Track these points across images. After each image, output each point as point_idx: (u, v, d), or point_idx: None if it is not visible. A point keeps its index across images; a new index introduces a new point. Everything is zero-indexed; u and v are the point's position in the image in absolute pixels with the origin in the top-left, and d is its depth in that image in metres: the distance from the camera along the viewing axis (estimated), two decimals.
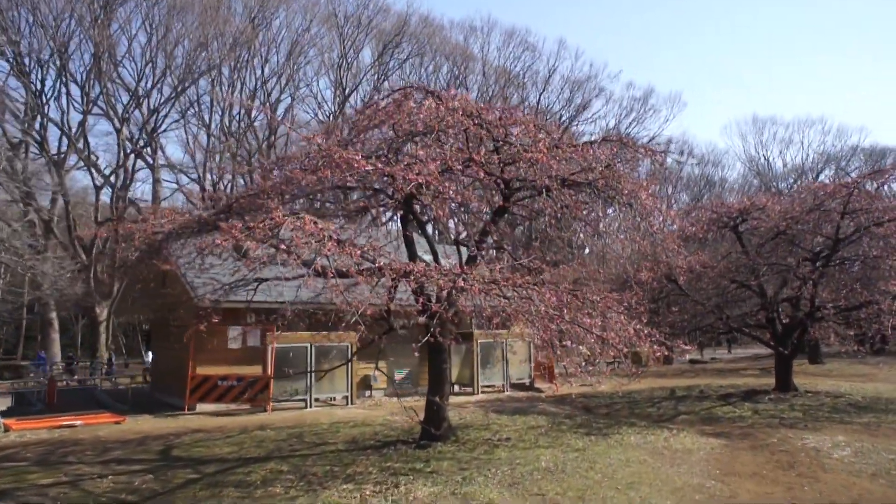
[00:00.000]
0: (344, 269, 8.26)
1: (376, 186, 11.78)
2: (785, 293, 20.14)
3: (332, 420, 16.28)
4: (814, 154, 60.59)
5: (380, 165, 9.25)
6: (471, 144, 11.25)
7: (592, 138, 12.16)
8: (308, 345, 19.10)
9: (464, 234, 13.83)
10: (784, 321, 19.60)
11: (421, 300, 10.85)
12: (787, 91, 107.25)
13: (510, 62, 50.86)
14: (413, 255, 12.30)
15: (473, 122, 10.91)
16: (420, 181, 9.03)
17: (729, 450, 12.11)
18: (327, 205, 13.75)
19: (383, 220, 14.93)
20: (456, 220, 13.29)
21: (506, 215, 13.00)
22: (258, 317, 18.74)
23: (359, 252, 7.98)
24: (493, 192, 13.09)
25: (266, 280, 12.69)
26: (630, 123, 47.78)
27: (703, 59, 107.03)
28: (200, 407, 18.38)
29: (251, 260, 10.63)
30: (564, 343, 9.96)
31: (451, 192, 9.24)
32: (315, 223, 7.92)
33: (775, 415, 15.92)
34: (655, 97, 75.12)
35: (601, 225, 13.67)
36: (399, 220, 13.09)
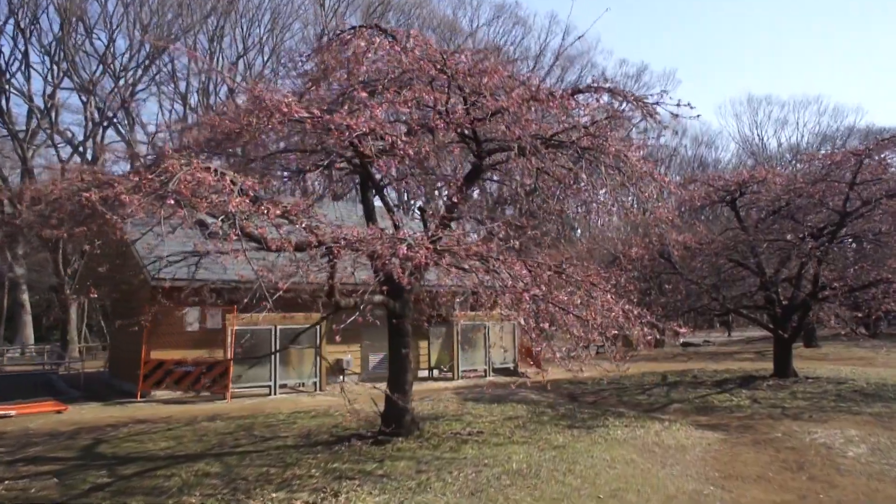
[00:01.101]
0: (257, 233, 6.58)
1: (330, 149, 10.10)
2: (784, 272, 18.57)
3: (293, 409, 14.68)
4: (809, 134, 59.03)
5: (315, 111, 7.55)
6: (437, 96, 9.54)
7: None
8: (272, 327, 17.44)
9: (438, 202, 12.09)
10: (784, 302, 18.01)
11: (377, 275, 9.24)
12: (784, 70, 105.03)
13: (500, 37, 48.97)
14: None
15: (436, 68, 9.19)
16: (363, 130, 7.34)
17: (728, 446, 10.53)
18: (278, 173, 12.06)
19: (337, 187, 13.17)
20: (418, 183, 11.54)
21: (478, 180, 11.31)
22: (219, 297, 17.07)
23: (278, 211, 6.32)
24: (465, 153, 11.43)
25: (203, 254, 11.01)
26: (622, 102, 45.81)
27: (698, 37, 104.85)
28: (156, 394, 16.77)
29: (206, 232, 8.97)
30: (542, 325, 8.34)
31: (400, 143, 7.54)
32: (222, 174, 6.27)
33: (776, 404, 14.36)
34: (649, 74, 73.20)
35: (585, 193, 12.01)
36: (358, 187, 11.41)
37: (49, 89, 33.74)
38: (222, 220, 5.87)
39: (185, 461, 9.64)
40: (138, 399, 16.48)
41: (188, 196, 5.59)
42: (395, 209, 11.81)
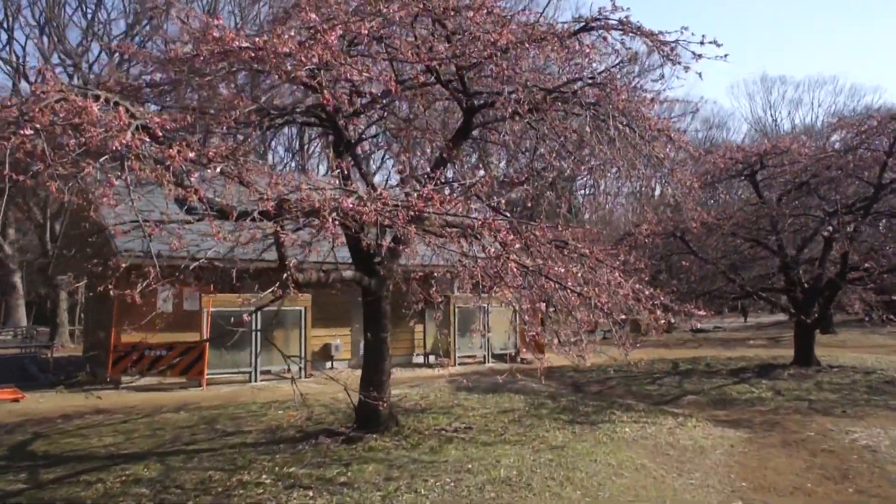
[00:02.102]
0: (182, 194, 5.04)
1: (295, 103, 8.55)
2: (806, 253, 16.91)
3: (270, 398, 13.22)
4: (825, 114, 56.75)
5: (259, 40, 5.98)
6: (418, 40, 7.92)
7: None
8: (253, 309, 15.92)
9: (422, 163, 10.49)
10: (806, 284, 16.35)
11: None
12: (799, 50, 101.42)
13: (506, 1, 46.89)
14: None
15: (421, 5, 7.57)
16: (314, 62, 5.77)
17: (754, 447, 8.98)
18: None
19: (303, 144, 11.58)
20: (396, 139, 9.97)
21: (468, 137, 9.72)
22: (196, 277, 15.58)
23: (189, 154, 4.75)
24: (450, 114, 9.89)
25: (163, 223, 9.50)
26: (632, 77, 44.00)
27: (710, 15, 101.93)
28: (128, 380, 15.34)
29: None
30: (537, 305, 6.81)
31: (355, 76, 5.94)
32: (115, 104, 4.75)
33: (801, 396, 12.77)
34: (657, 62, 70.83)
35: (592, 159, 10.43)
36: (331, 146, 9.84)
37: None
38: (110, 160, 4.35)
39: (123, 462, 8.19)
40: (107, 385, 15.06)
41: (48, 124, 4.09)
42: (371, 173, 10.23)
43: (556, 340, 7.92)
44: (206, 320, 15.40)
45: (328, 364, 18.32)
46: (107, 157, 4.38)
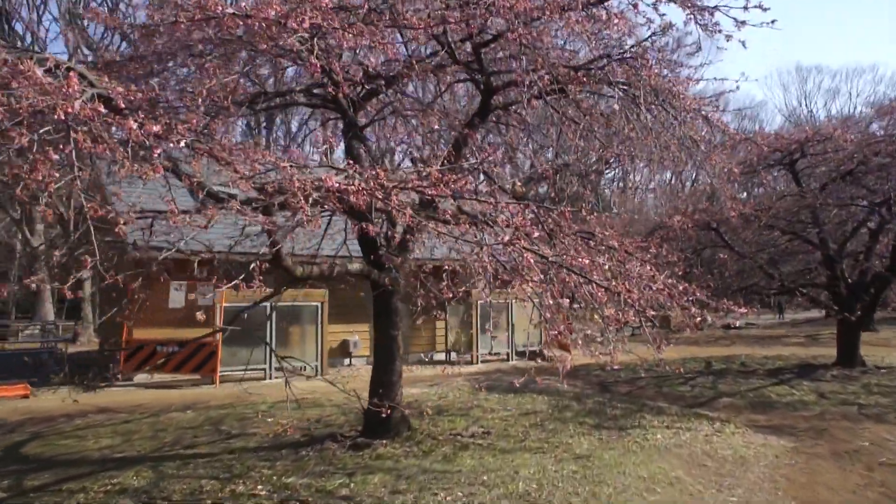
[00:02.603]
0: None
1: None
2: (850, 246, 15.81)
3: (282, 397, 12.56)
4: (863, 104, 54.65)
5: (244, 4, 5.29)
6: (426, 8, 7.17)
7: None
8: (267, 305, 15.36)
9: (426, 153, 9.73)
10: (849, 280, 15.27)
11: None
12: (836, 38, 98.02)
13: None
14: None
15: None
16: (305, 26, 5.05)
17: (802, 459, 8.08)
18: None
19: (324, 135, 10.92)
20: (409, 118, 9.25)
21: (488, 119, 8.95)
22: (209, 271, 15.06)
23: (156, 129, 4.05)
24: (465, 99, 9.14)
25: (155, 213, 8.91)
26: (667, 52, 42.31)
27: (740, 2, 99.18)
28: (139, 377, 14.87)
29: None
30: (560, 300, 6.05)
31: (351, 43, 5.21)
32: (68, 70, 4.08)
33: (849, 400, 11.78)
34: (691, 37, 68.88)
35: (617, 141, 9.60)
36: (342, 131, 9.13)
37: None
38: (54, 131, 3.69)
39: (114, 468, 7.59)
40: (119, 382, 14.60)
41: None
42: (381, 158, 9.53)
43: (580, 339, 7.16)
44: (219, 315, 14.86)
45: (346, 361, 17.73)
46: (48, 128, 3.71)
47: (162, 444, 8.89)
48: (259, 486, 6.74)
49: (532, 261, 4.72)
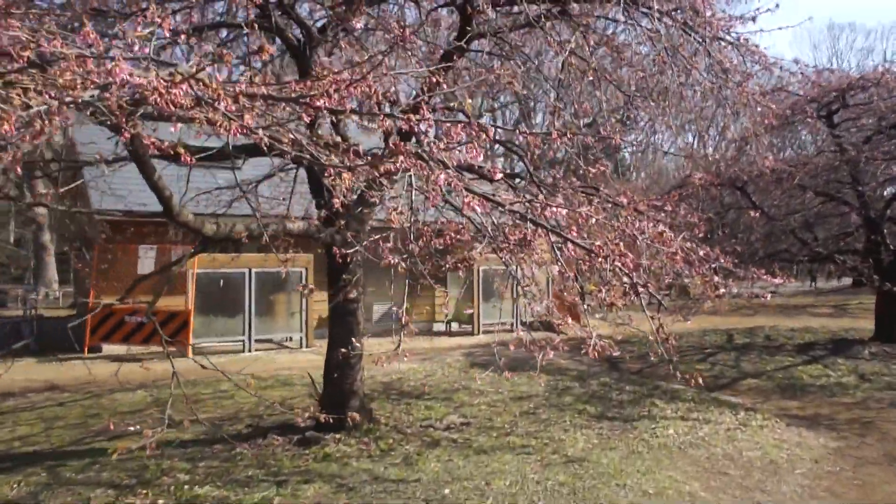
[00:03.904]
0: None
1: None
2: (892, 211, 13.87)
3: (255, 373, 11.19)
4: None
5: None
6: None
7: None
8: (245, 271, 13.94)
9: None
10: (893, 246, 13.38)
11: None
12: None
13: None
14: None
15: None
16: None
17: (849, 465, 6.43)
18: None
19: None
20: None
21: (468, 49, 7.21)
22: (180, 235, 13.62)
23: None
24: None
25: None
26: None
27: None
28: (109, 348, 13.56)
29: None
30: (560, 270, 4.49)
31: None
32: None
33: (894, 383, 10.07)
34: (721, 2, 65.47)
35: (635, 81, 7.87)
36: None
37: None
38: None
39: (9, 468, 6.20)
40: (85, 354, 13.29)
41: None
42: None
43: (583, 305, 5.71)
44: (191, 282, 13.45)
45: None
46: None
47: (85, 435, 7.50)
48: (160, 501, 5.29)
49: (477, 206, 3.11)
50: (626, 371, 11.54)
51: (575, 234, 3.25)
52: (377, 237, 4.97)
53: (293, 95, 2.97)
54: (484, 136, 3.22)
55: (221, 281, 13.70)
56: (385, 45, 7.47)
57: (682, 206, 9.58)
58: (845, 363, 11.53)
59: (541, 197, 3.38)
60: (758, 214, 11.76)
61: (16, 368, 12.10)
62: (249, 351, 13.93)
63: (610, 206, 7.82)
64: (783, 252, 13.59)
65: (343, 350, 6.72)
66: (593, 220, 3.69)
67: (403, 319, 4.12)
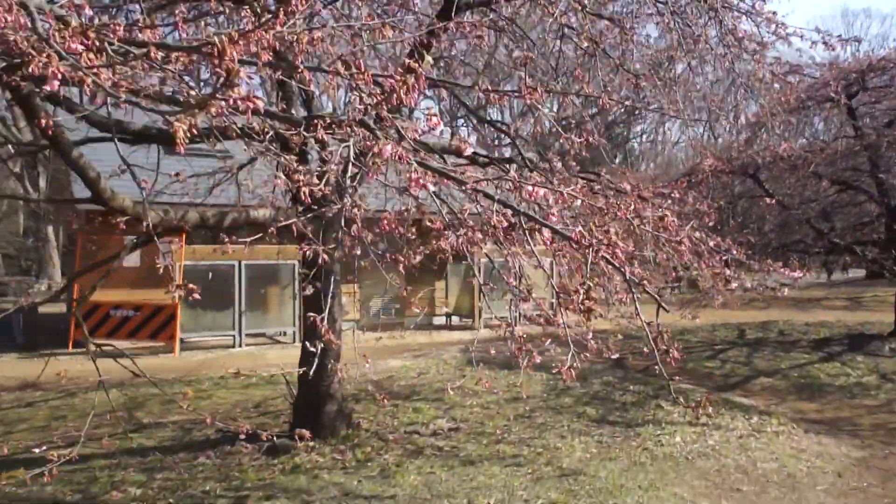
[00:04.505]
0: None
1: None
2: None
3: (241, 369, 10.59)
4: None
5: None
6: None
7: None
8: (235, 263, 13.35)
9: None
10: None
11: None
12: None
13: None
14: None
15: None
16: None
17: (877, 479, 5.74)
18: None
19: None
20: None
21: (458, 17, 6.51)
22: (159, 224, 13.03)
23: None
24: None
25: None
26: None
27: None
28: (98, 343, 12.97)
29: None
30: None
31: None
32: None
33: None
34: None
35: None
36: None
37: None
38: None
39: None
40: (69, 349, 12.74)
41: None
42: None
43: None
44: (178, 275, 12.85)
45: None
46: None
47: (43, 440, 6.92)
48: None
49: (430, 184, 2.47)
50: (632, 369, 10.86)
51: (555, 218, 2.60)
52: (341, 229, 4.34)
53: (193, 45, 2.32)
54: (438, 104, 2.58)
55: (210, 273, 13.10)
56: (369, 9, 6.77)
57: (691, 193, 8.90)
58: (865, 360, 10.79)
59: (513, 173, 2.71)
60: (772, 202, 11.00)
61: (6, 364, 11.64)
62: (240, 346, 13.36)
63: (613, 192, 7.16)
64: (798, 243, 12.85)
65: (312, 350, 6.08)
66: (578, 201, 3.02)
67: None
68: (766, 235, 12.20)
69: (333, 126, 2.80)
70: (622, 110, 37.87)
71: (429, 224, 4.09)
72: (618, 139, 42.81)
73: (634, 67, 7.27)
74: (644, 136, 45.63)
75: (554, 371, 3.02)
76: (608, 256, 2.52)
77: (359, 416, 7.45)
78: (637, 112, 37.77)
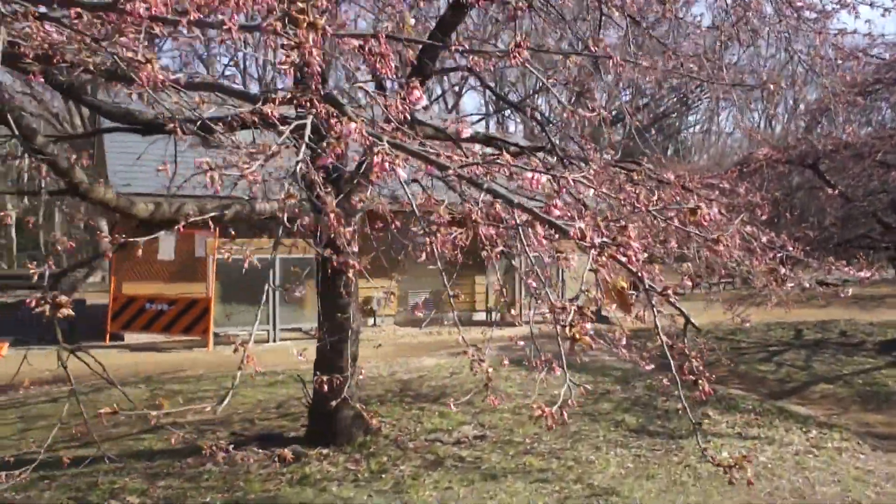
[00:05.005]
0: None
1: None
2: None
3: (272, 366, 10.34)
4: None
5: None
6: None
7: None
8: (269, 258, 13.06)
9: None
10: None
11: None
12: None
13: None
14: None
15: None
16: None
17: None
18: None
19: None
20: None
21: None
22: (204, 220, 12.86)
23: None
24: None
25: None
26: None
27: None
28: (129, 337, 12.95)
29: None
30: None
31: None
32: None
33: None
34: None
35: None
36: None
37: None
38: None
39: None
40: (106, 342, 12.73)
41: None
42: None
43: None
44: (212, 269, 12.70)
45: (370, 321, 15.32)
46: None
47: (59, 439, 6.68)
48: None
49: (401, 170, 1.98)
50: (678, 371, 10.12)
51: (559, 212, 2.07)
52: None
53: None
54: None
55: (244, 267, 12.89)
56: None
57: (743, 184, 8.16)
58: None
59: (507, 157, 2.20)
60: (834, 194, 10.11)
61: (32, 357, 11.60)
62: (274, 341, 13.14)
63: (655, 183, 6.59)
64: (862, 238, 11.85)
65: (328, 350, 5.68)
66: (587, 189, 2.46)
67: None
68: (826, 230, 11.27)
69: (296, 102, 2.33)
70: (673, 100, 36.53)
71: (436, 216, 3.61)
72: (669, 130, 41.41)
73: (682, 48, 6.64)
74: (696, 127, 44.04)
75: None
76: (617, 255, 1.98)
77: (381, 419, 7.03)
78: (688, 100, 36.38)
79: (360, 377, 6.76)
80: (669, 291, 2.10)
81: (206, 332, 12.37)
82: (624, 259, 1.93)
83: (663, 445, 6.25)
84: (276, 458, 5.72)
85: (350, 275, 6.24)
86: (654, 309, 2.20)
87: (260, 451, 5.95)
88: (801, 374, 9.87)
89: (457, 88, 31.48)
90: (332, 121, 2.16)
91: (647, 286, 2.11)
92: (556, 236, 2.22)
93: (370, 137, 2.16)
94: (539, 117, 6.97)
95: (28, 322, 14.26)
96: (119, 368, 10.51)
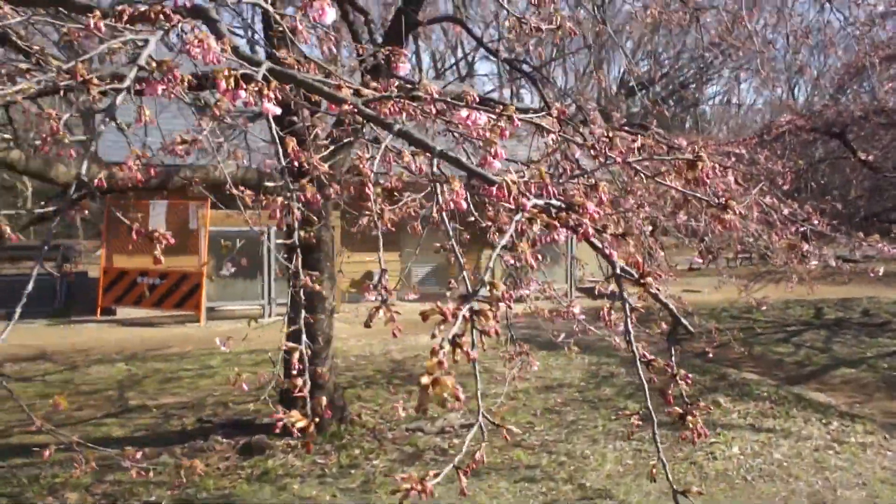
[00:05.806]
0: None
1: None
2: None
3: (264, 343, 9.82)
4: None
5: None
6: None
7: None
8: (265, 228, 12.52)
9: None
10: None
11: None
12: None
13: None
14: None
15: None
16: None
17: None
18: None
19: None
20: None
21: None
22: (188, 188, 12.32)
23: None
24: None
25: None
26: None
27: None
28: (122, 311, 12.52)
29: None
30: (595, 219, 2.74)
31: None
32: None
33: None
34: None
35: None
36: None
37: None
38: None
39: None
40: (98, 317, 12.31)
41: None
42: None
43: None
44: (204, 241, 12.18)
45: (370, 296, 14.76)
46: None
47: (17, 424, 6.24)
48: None
49: None
50: (689, 353, 9.49)
51: (499, 165, 1.45)
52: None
53: None
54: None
55: (238, 240, 12.37)
56: None
57: (763, 153, 7.44)
58: None
59: (432, 88, 1.59)
60: (862, 163, 9.32)
61: (22, 332, 11.22)
62: (269, 316, 12.66)
63: (665, 149, 5.88)
64: (890, 210, 11.04)
65: (294, 328, 5.11)
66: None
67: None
68: (852, 203, 10.48)
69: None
70: (692, 70, 35.28)
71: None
72: (687, 102, 40.11)
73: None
74: (717, 99, 42.68)
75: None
76: (586, 231, 1.36)
77: (363, 405, 6.51)
78: (707, 70, 35.12)
79: (336, 360, 6.24)
80: (650, 279, 1.47)
81: (198, 306, 11.90)
82: (580, 229, 1.31)
83: (668, 438, 5.64)
84: (242, 449, 5.22)
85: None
86: (626, 303, 1.56)
87: (224, 440, 5.43)
88: (821, 356, 9.19)
89: (469, 58, 30.58)
90: (192, 40, 1.53)
91: (616, 270, 1.48)
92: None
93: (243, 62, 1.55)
94: (528, 70, 6.28)
95: (51, 292, 13.87)
96: (105, 345, 10.11)
